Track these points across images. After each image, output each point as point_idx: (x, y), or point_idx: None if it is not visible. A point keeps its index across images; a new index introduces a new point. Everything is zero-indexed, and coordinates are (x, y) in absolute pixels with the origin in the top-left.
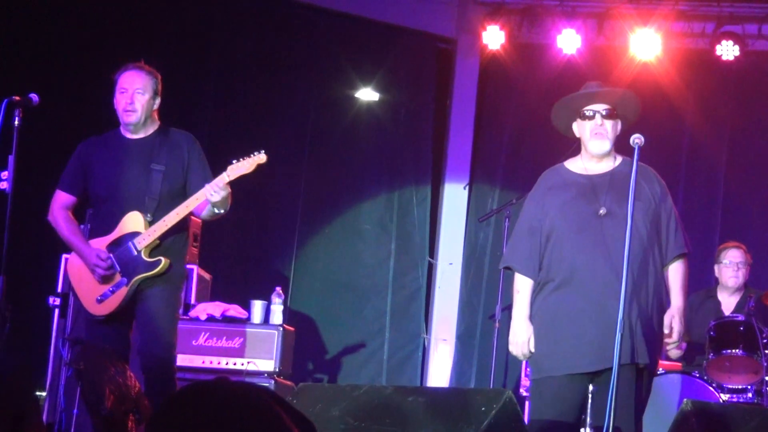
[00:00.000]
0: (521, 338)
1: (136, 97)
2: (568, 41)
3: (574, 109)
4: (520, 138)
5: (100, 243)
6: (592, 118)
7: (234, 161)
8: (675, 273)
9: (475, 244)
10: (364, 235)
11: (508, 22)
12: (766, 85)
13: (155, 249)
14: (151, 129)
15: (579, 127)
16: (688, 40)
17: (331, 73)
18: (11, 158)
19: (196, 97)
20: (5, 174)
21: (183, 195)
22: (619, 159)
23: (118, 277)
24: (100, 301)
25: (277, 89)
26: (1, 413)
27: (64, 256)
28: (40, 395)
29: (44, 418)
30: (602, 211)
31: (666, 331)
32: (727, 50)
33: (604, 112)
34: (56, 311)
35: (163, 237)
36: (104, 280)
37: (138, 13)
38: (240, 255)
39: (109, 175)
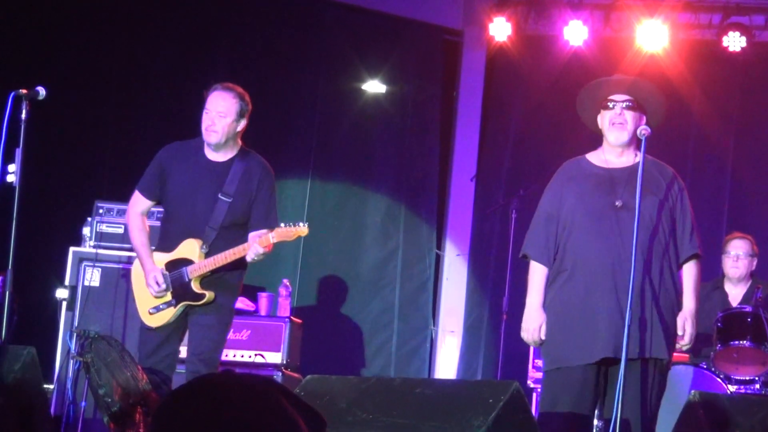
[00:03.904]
0: (533, 325)
1: (217, 119)
2: (575, 33)
3: (597, 101)
4: (526, 129)
5: (161, 259)
6: (612, 108)
7: (283, 224)
8: (687, 274)
9: (482, 235)
10: (372, 227)
11: (514, 13)
12: None
13: (206, 279)
14: (231, 152)
15: (600, 118)
16: (694, 31)
17: (338, 66)
18: (18, 151)
19: (204, 89)
20: (13, 167)
21: (245, 226)
22: (641, 155)
23: (169, 297)
24: (151, 314)
25: (284, 82)
26: (9, 406)
27: (72, 248)
28: (48, 388)
29: (52, 410)
30: (618, 203)
31: (679, 333)
32: (734, 41)
33: (625, 104)
34: (63, 303)
35: (216, 270)
36: (158, 294)
37: (147, 6)
38: None
39: (181, 193)
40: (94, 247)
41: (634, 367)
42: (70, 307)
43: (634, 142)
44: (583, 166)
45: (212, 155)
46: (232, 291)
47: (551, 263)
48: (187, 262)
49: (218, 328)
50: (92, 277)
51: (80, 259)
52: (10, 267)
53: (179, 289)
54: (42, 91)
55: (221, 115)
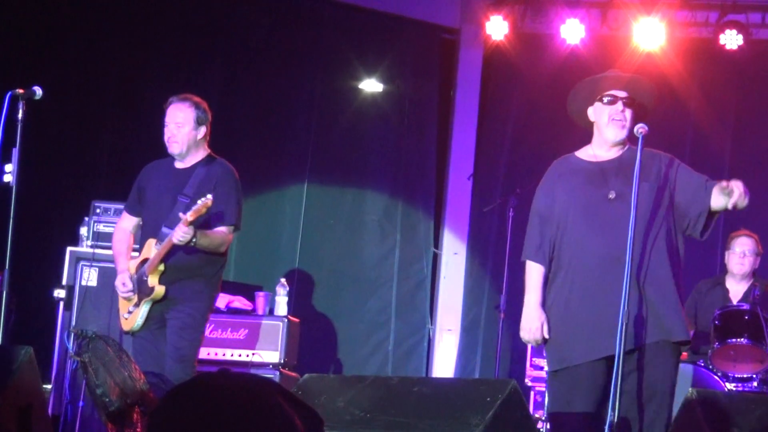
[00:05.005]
0: (533, 324)
1: (176, 129)
2: (572, 31)
3: (593, 93)
4: (523, 128)
5: (132, 264)
6: (613, 103)
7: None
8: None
9: (479, 234)
10: (369, 226)
11: (511, 12)
12: None
13: (164, 274)
14: (196, 158)
15: (596, 111)
16: (691, 29)
17: (335, 64)
18: (15, 151)
19: (202, 89)
20: (9, 167)
21: (206, 226)
22: (627, 146)
23: (136, 299)
24: (125, 318)
25: (281, 80)
26: (7, 406)
27: (69, 248)
28: (46, 388)
29: (50, 410)
30: (612, 195)
31: (724, 184)
32: (731, 39)
33: (626, 99)
34: (61, 304)
35: (173, 262)
36: (128, 300)
37: (144, 6)
38: (244, 246)
39: (150, 201)
40: (92, 246)
41: (640, 356)
42: (68, 307)
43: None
44: (572, 163)
45: (179, 164)
46: (202, 286)
47: (546, 262)
48: (146, 262)
49: (189, 326)
50: (89, 277)
51: (77, 258)
52: (7, 267)
53: (142, 289)
54: (39, 91)
55: (179, 125)
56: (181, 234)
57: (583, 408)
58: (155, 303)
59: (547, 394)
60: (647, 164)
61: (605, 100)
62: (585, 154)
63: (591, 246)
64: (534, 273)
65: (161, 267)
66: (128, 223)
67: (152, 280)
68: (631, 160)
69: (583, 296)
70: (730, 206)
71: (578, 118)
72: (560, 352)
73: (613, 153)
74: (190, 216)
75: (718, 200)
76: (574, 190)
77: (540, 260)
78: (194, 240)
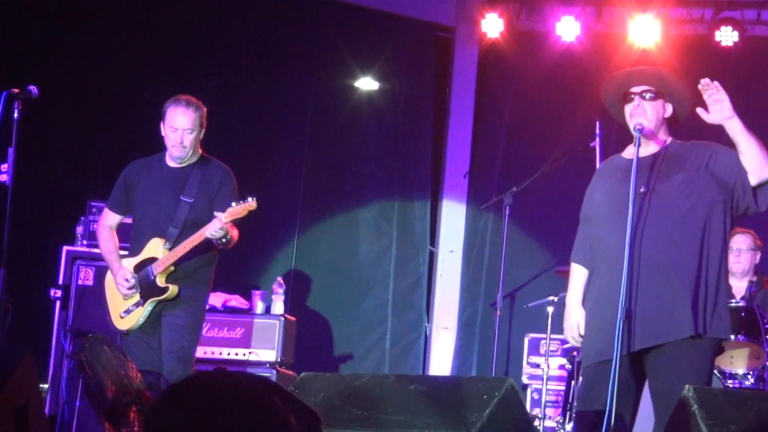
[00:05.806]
0: (569, 322)
1: (185, 136)
2: (567, 28)
3: (619, 95)
4: (519, 125)
5: (130, 263)
6: (631, 100)
7: (234, 204)
8: None
9: (475, 231)
10: (365, 224)
11: (506, 9)
12: (766, 70)
13: (171, 274)
14: (192, 158)
15: (625, 112)
16: (687, 26)
17: (331, 63)
18: (11, 150)
19: (199, 87)
20: (5, 166)
21: (201, 225)
22: (669, 140)
23: (137, 298)
24: (122, 317)
25: (277, 79)
26: (4, 405)
27: (65, 247)
28: (43, 387)
29: (47, 409)
30: (643, 188)
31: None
32: (726, 36)
33: (647, 95)
34: (58, 303)
35: (180, 263)
36: (127, 298)
37: (139, 5)
38: (241, 245)
39: (145, 200)
40: (88, 246)
41: (658, 354)
42: (64, 307)
43: (662, 128)
44: (614, 162)
45: (172, 164)
46: (202, 287)
47: (587, 262)
48: (152, 260)
49: (191, 325)
50: (86, 276)
51: (74, 258)
52: (3, 266)
53: (146, 288)
54: (34, 91)
55: (188, 132)
56: (216, 228)
57: (603, 403)
58: (159, 302)
59: None
60: (685, 156)
61: (626, 97)
62: (627, 152)
63: (615, 242)
64: (574, 272)
65: (171, 267)
66: (112, 220)
67: (162, 280)
68: (672, 154)
69: (609, 293)
70: (710, 119)
71: (624, 123)
72: (588, 349)
73: (653, 148)
74: (226, 217)
75: (740, 154)
76: (609, 188)
77: (580, 261)
78: (225, 238)
